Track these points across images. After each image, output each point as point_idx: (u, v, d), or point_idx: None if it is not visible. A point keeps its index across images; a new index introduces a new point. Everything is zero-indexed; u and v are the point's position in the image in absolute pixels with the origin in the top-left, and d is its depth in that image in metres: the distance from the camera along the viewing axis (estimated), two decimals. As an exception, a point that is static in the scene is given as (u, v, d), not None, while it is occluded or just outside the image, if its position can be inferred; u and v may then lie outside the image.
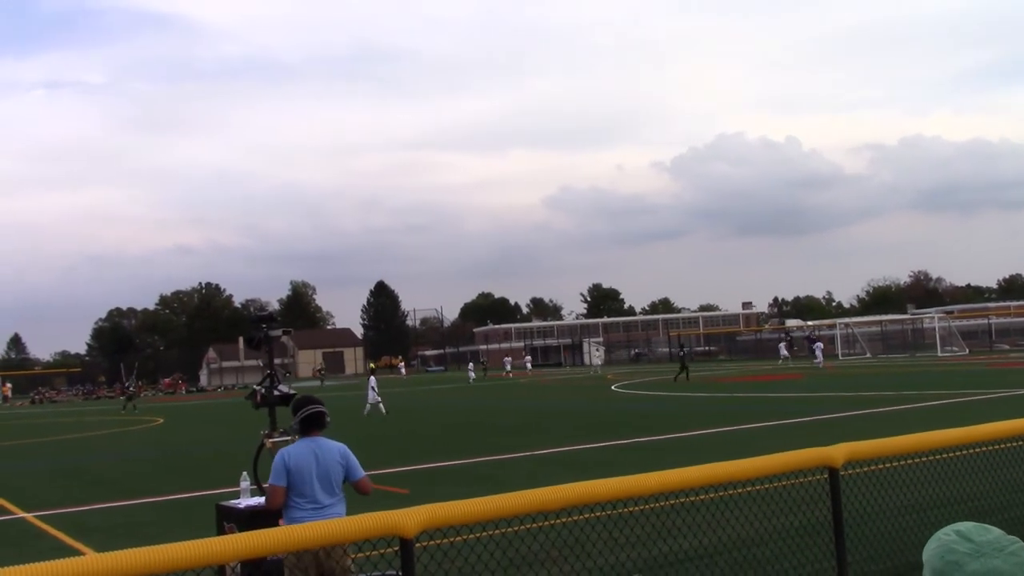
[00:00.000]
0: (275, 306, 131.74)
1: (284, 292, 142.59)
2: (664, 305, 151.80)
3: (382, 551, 4.10)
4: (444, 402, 38.31)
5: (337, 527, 3.85)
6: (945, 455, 6.86)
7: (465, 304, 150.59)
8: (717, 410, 25.08)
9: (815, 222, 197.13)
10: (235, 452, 18.79)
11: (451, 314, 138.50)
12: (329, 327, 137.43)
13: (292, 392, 7.44)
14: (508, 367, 67.26)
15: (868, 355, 61.73)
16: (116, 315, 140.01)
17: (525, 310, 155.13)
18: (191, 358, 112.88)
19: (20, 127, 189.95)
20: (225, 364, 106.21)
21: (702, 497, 5.48)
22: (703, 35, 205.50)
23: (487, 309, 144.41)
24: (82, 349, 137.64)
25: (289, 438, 7.04)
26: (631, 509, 5.14)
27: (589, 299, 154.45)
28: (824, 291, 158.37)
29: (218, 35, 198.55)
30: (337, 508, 5.68)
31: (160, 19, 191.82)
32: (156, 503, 13.37)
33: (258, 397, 7.62)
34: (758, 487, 6.92)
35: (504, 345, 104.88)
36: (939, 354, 55.36)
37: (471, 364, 61.36)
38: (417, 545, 3.92)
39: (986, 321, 71.15)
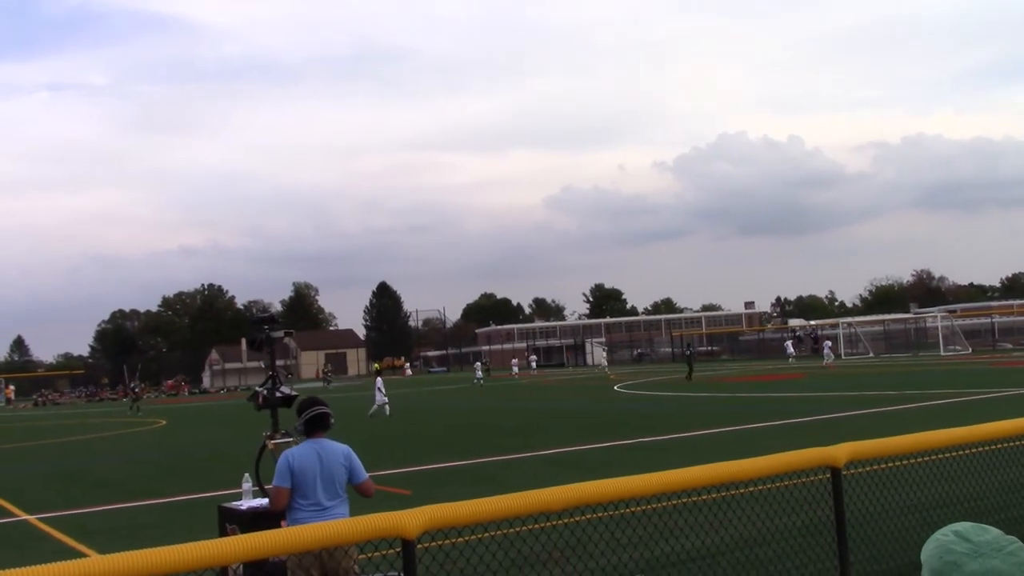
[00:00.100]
0: (277, 307, 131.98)
1: (287, 293, 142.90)
2: (666, 305, 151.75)
3: (384, 552, 4.10)
4: (446, 403, 38.32)
5: (339, 528, 3.84)
6: (948, 454, 6.85)
7: (467, 305, 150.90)
8: (719, 410, 25.07)
9: (817, 221, 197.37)
10: (237, 453, 18.82)
11: (453, 315, 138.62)
12: (332, 328, 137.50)
13: (294, 393, 7.43)
14: (516, 368, 66.04)
15: (871, 354, 61.69)
16: (119, 317, 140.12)
17: (527, 310, 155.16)
18: (194, 360, 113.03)
19: (23, 129, 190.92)
20: (228, 366, 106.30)
21: (704, 497, 5.48)
22: (703, 35, 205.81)
23: (489, 310, 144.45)
24: (85, 351, 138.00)
25: (291, 439, 7.04)
26: (633, 509, 5.13)
27: (591, 299, 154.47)
28: (826, 290, 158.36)
29: (219, 36, 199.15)
30: (340, 510, 5.67)
31: (161, 20, 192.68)
32: (158, 505, 13.39)
33: (260, 398, 7.62)
34: (760, 487, 6.93)
35: (507, 346, 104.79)
36: (942, 353, 55.30)
37: (478, 364, 59.83)
38: (419, 546, 3.91)
39: (989, 320, 71.02)
